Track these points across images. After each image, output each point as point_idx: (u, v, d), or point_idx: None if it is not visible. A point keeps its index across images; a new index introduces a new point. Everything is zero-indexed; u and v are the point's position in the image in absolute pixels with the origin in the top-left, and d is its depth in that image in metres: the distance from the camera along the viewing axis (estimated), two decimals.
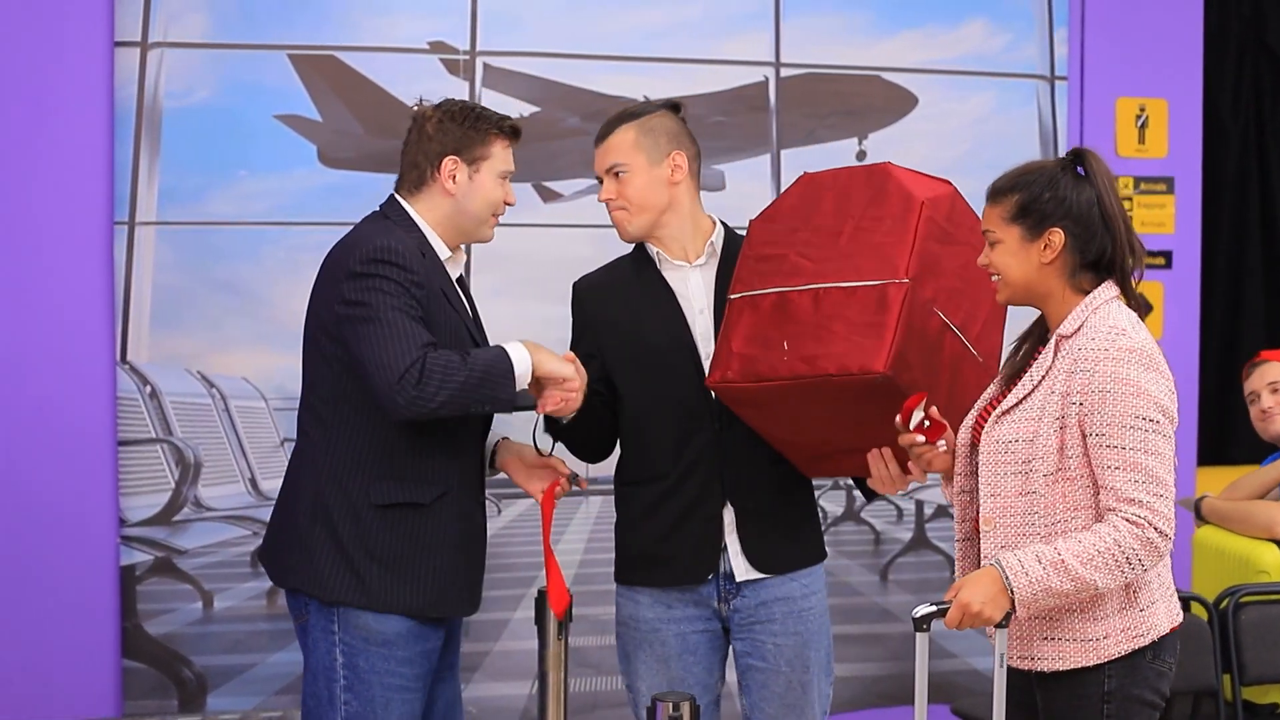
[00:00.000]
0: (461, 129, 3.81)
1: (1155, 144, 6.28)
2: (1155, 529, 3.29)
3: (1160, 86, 6.28)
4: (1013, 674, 3.39)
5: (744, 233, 3.98)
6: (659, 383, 3.89)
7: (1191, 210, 6.35)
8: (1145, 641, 3.40)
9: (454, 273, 3.87)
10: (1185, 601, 5.01)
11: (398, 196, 3.85)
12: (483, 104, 3.98)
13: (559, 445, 3.95)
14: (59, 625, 5.29)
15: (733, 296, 3.83)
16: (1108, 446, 3.31)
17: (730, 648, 3.99)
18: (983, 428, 3.50)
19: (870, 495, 3.97)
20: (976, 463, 3.54)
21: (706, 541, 3.90)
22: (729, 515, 3.90)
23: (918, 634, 3.33)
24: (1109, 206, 3.44)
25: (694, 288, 3.94)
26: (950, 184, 3.86)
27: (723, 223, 4.03)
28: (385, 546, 3.69)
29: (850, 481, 4.58)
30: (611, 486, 4.07)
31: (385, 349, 3.56)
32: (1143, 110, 6.26)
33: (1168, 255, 6.31)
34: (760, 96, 5.88)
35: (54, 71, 5.27)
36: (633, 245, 4.03)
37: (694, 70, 5.75)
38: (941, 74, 6.04)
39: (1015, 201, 3.43)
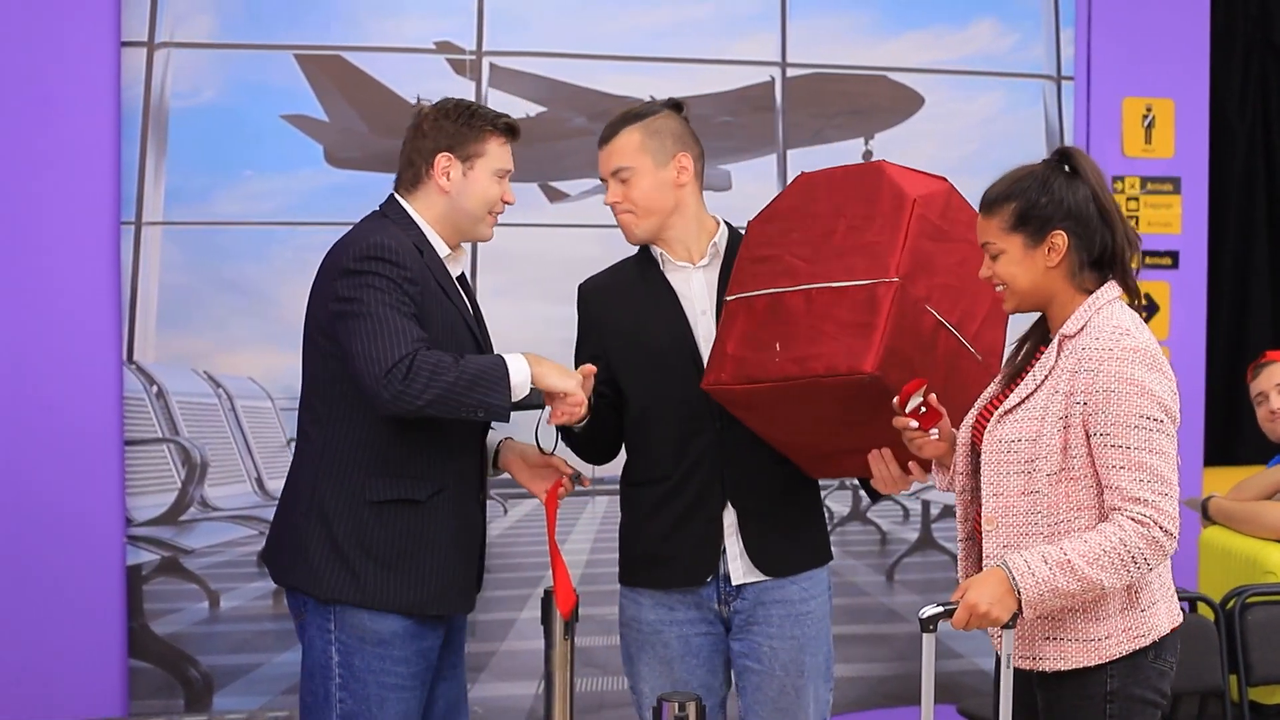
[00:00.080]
0: (456, 126, 3.80)
1: (1162, 144, 6.27)
2: (1160, 528, 3.28)
3: (1167, 86, 6.28)
4: (1014, 674, 3.38)
5: None
6: (661, 384, 3.88)
7: (1198, 210, 6.35)
8: (1147, 641, 3.39)
9: (455, 271, 3.87)
10: (1192, 602, 5.03)
11: (396, 195, 3.85)
12: (486, 104, 3.97)
13: (561, 445, 3.95)
14: (65, 625, 5.29)
15: (728, 299, 3.82)
16: (1112, 446, 3.31)
17: (727, 653, 3.98)
18: (983, 427, 3.49)
19: (875, 496, 3.96)
20: (976, 462, 3.54)
21: (707, 543, 3.89)
22: (730, 516, 3.88)
23: (924, 635, 3.32)
24: (1104, 201, 3.44)
25: (697, 289, 3.93)
26: (946, 180, 3.83)
27: (727, 223, 4.02)
28: (381, 543, 3.69)
29: (856, 482, 4.57)
30: (617, 486, 4.07)
31: (374, 343, 3.56)
32: (1149, 110, 6.26)
33: (1174, 255, 6.30)
34: (766, 96, 5.88)
35: (60, 71, 5.28)
36: (638, 246, 4.02)
37: (700, 70, 5.75)
38: (948, 74, 6.04)
39: (1012, 210, 3.42)
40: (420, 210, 3.81)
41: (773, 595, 3.90)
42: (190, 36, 5.36)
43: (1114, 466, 3.30)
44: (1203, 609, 5.03)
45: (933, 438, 3.58)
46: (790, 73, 5.89)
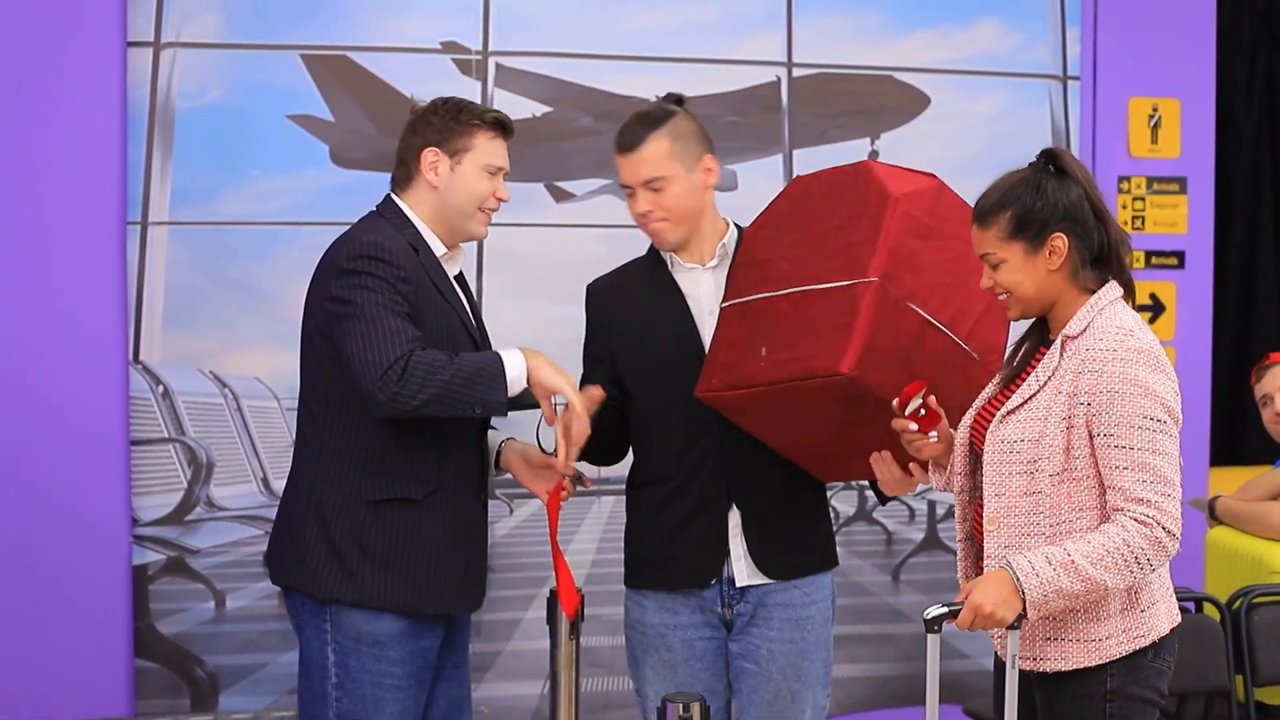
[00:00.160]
0: (444, 121, 3.80)
1: (1168, 144, 6.27)
2: (1164, 529, 3.28)
3: (1173, 86, 6.27)
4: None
5: None
6: (666, 385, 3.87)
7: (1204, 210, 6.34)
8: (1146, 642, 3.40)
9: (452, 270, 3.86)
10: (1198, 602, 5.03)
11: (392, 195, 3.85)
12: (492, 104, 3.97)
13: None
14: (71, 625, 5.29)
15: (723, 305, 3.82)
16: (1116, 447, 3.31)
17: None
18: (983, 428, 3.49)
19: (883, 498, 3.96)
20: (975, 462, 3.55)
21: (710, 545, 3.88)
22: (734, 519, 3.87)
23: (929, 635, 3.32)
24: (1096, 199, 3.44)
25: (705, 290, 3.92)
26: (935, 178, 3.80)
27: (736, 224, 4.02)
28: (379, 542, 3.69)
29: (864, 482, 4.56)
30: (623, 486, 4.07)
31: (369, 345, 3.56)
32: (1155, 110, 6.25)
33: (1180, 255, 6.30)
34: (773, 96, 5.88)
35: (67, 72, 5.28)
36: (648, 247, 4.01)
37: (706, 70, 5.74)
38: (954, 74, 6.03)
39: (1009, 218, 3.40)
40: (414, 207, 3.81)
41: (774, 598, 3.89)
42: (196, 36, 5.36)
43: (1117, 467, 3.30)
44: (1209, 609, 5.03)
45: (932, 440, 3.57)
46: (796, 73, 5.89)
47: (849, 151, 5.89)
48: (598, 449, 3.96)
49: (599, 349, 3.97)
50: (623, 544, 4.06)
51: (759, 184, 5.80)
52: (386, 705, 3.71)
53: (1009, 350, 3.63)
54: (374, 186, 3.90)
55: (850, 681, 5.95)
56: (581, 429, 3.70)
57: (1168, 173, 6.28)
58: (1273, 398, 5.30)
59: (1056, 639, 3.41)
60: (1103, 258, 3.44)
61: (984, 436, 3.48)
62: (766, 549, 3.88)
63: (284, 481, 3.87)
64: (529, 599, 5.58)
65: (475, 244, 5.49)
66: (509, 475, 3.99)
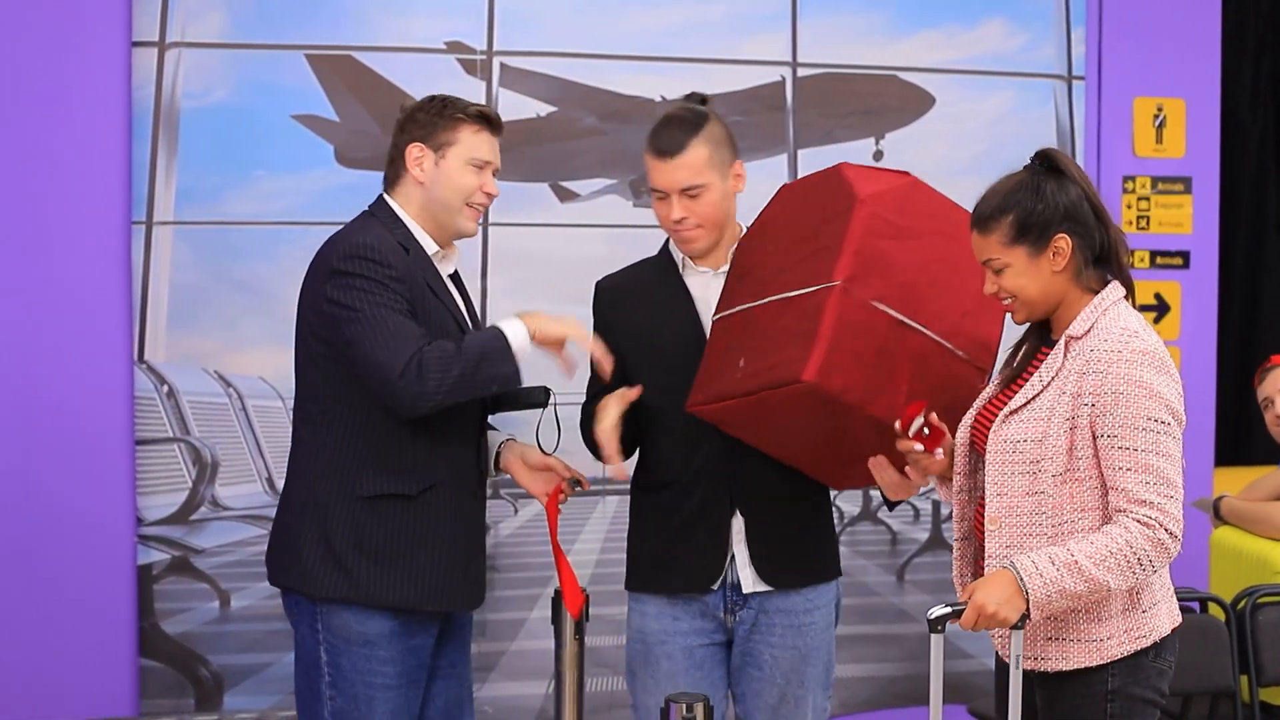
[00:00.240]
0: (428, 116, 3.80)
1: (1173, 144, 6.26)
2: (1166, 530, 3.28)
3: (1178, 86, 6.26)
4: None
5: None
6: (672, 387, 3.81)
7: (1209, 210, 6.34)
8: (1148, 642, 3.40)
9: (446, 269, 3.85)
10: (1203, 602, 5.02)
11: (384, 194, 3.85)
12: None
13: (560, 447, 3.92)
14: (76, 624, 5.30)
15: (714, 318, 3.80)
16: (1119, 448, 3.30)
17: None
18: (984, 428, 3.49)
19: (890, 502, 3.93)
20: (974, 462, 3.55)
21: (712, 550, 3.85)
22: (738, 524, 3.85)
23: (933, 635, 3.32)
24: (1095, 199, 3.44)
25: (714, 294, 3.89)
26: (908, 175, 3.76)
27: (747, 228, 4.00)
28: (373, 539, 3.68)
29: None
30: (627, 487, 4.06)
31: (380, 348, 3.57)
32: (1160, 110, 6.25)
33: (1185, 255, 6.29)
34: (777, 96, 5.87)
35: (72, 71, 5.29)
36: (659, 247, 3.99)
37: (711, 70, 5.74)
38: (959, 74, 6.03)
39: (1010, 222, 3.39)
40: (403, 206, 3.81)
41: (776, 604, 3.87)
42: (201, 36, 5.36)
43: (1120, 468, 3.30)
44: (1214, 609, 5.03)
45: (938, 458, 3.55)
46: (801, 72, 5.89)
47: (854, 151, 5.89)
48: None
49: (605, 340, 3.92)
50: (626, 545, 4.05)
51: (764, 184, 5.74)
52: (379, 704, 3.71)
53: (1009, 351, 3.62)
54: (378, 187, 3.90)
55: (855, 681, 5.95)
56: (604, 360, 3.75)
57: (1172, 173, 6.27)
58: (1273, 400, 5.29)
59: (1058, 639, 3.40)
60: (1104, 257, 3.44)
61: (985, 436, 3.48)
62: (770, 558, 3.85)
63: None
64: (533, 599, 5.58)
65: (479, 244, 5.53)
66: (504, 476, 4.00)
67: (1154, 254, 6.24)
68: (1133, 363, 3.31)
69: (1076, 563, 3.26)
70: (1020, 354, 3.56)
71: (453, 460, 3.77)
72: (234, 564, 5.38)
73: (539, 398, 3.85)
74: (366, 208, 3.85)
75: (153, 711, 5.36)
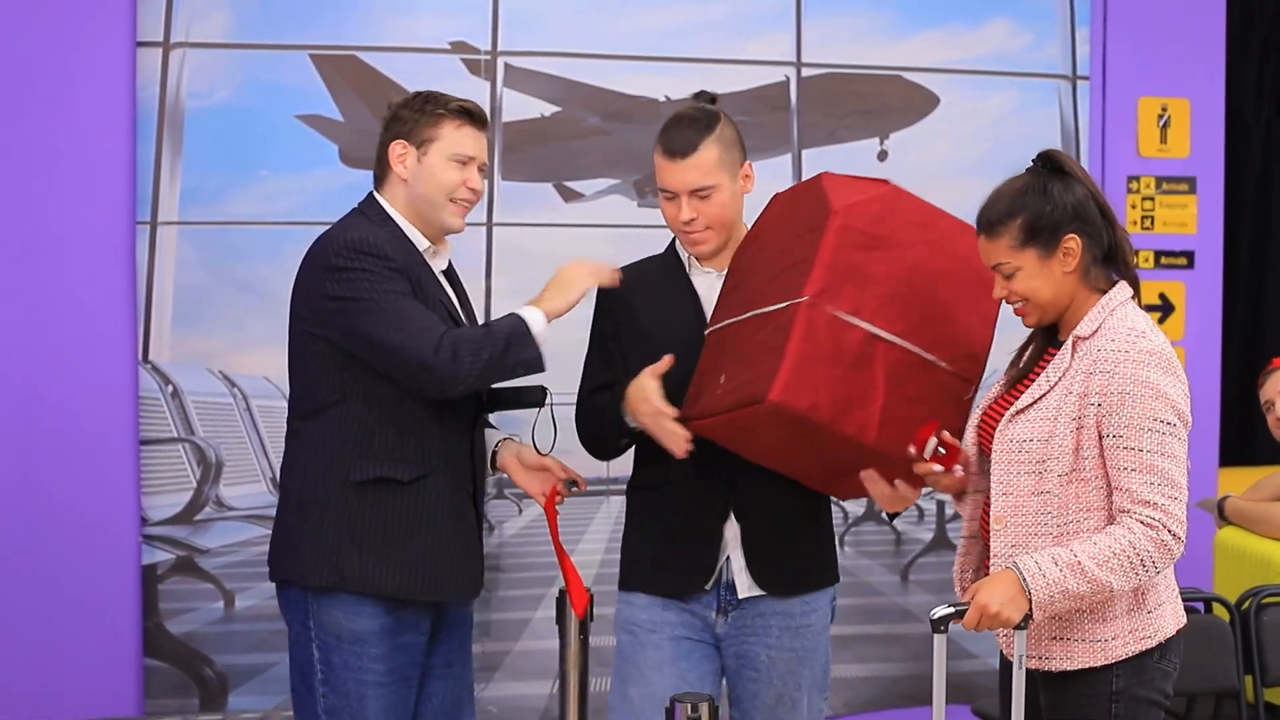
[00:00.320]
0: (410, 113, 3.80)
1: (1177, 144, 6.26)
2: (1169, 531, 3.28)
3: (1182, 86, 6.26)
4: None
5: None
6: (671, 387, 3.74)
7: (1214, 210, 6.33)
8: (1153, 643, 3.40)
9: (439, 265, 3.85)
10: (1207, 603, 5.02)
11: (374, 193, 3.86)
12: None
13: (558, 447, 3.89)
14: (81, 624, 5.30)
15: (707, 331, 3.76)
16: (1124, 448, 3.30)
17: (722, 661, 3.90)
18: (990, 429, 3.49)
19: (890, 514, 3.89)
20: (981, 464, 3.54)
21: (706, 552, 3.80)
22: (732, 530, 3.80)
23: (936, 635, 3.32)
24: (1100, 198, 3.44)
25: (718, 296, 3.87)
26: (888, 184, 3.70)
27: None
28: (365, 526, 3.68)
29: None
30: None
31: (403, 333, 3.60)
32: (1165, 110, 6.24)
33: (1190, 255, 6.29)
34: (781, 96, 5.87)
35: (76, 72, 5.29)
36: (666, 245, 3.96)
37: (715, 70, 5.74)
38: (963, 74, 6.03)
39: (1019, 225, 3.39)
40: (391, 203, 3.81)
41: (773, 608, 3.83)
42: (205, 36, 5.37)
43: (1125, 468, 3.30)
44: (1218, 610, 5.03)
45: (957, 475, 3.54)
46: (805, 72, 5.89)
47: (858, 151, 5.89)
48: (602, 443, 3.93)
49: (607, 323, 3.91)
50: None
51: (768, 184, 5.75)
52: (371, 702, 3.72)
53: (1015, 352, 3.61)
54: None
55: (859, 681, 5.95)
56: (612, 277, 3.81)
57: (1177, 173, 6.27)
58: (1275, 403, 5.29)
59: (1063, 639, 3.40)
60: (1110, 256, 3.44)
61: (992, 437, 3.48)
62: (766, 564, 3.81)
63: None
64: (538, 598, 5.58)
65: (483, 244, 5.53)
66: (505, 475, 4.00)
67: (1158, 254, 6.24)
68: (1140, 363, 3.31)
69: (1079, 563, 3.27)
70: (1027, 354, 3.56)
71: (447, 453, 3.77)
72: (238, 564, 5.39)
73: (536, 397, 3.84)
74: (356, 206, 3.86)
75: (157, 711, 5.37)
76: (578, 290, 3.77)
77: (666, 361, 3.69)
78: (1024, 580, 3.27)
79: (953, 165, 5.89)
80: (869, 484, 3.63)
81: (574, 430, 3.91)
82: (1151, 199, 6.24)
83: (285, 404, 3.75)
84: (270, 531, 3.88)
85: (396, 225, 3.78)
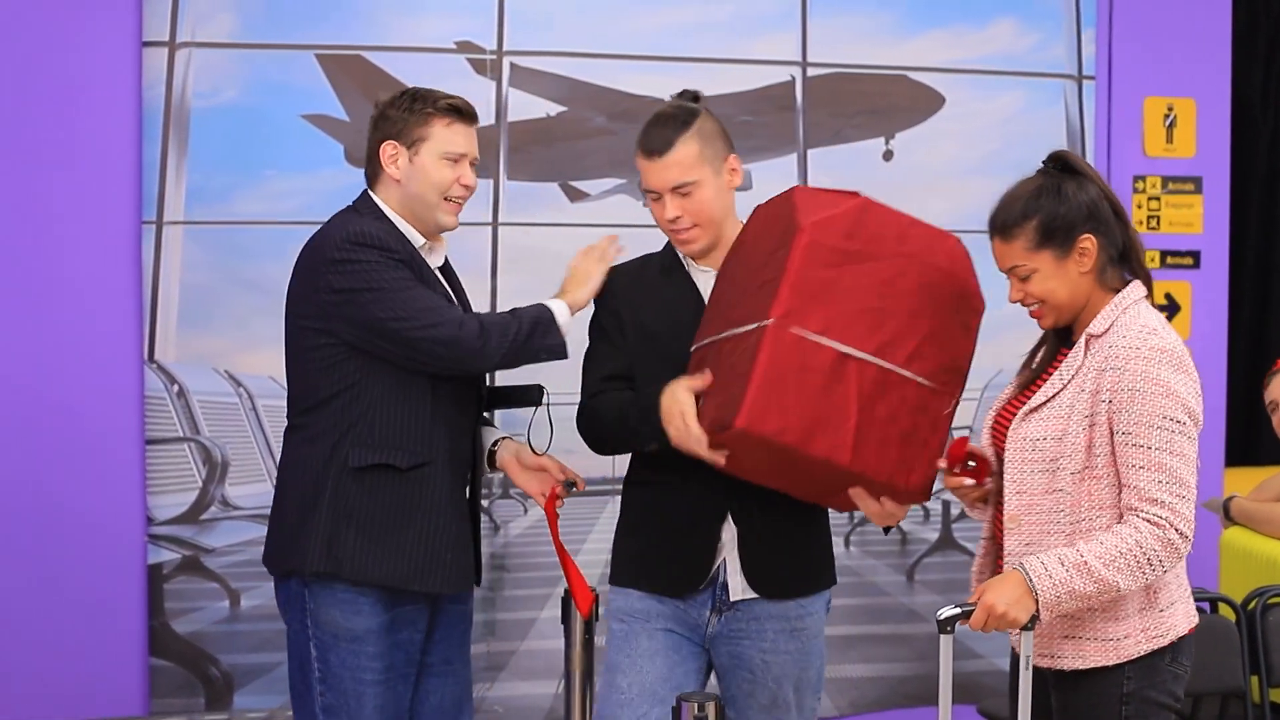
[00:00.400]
0: (399, 113, 3.81)
1: (1183, 144, 6.26)
2: (1176, 530, 3.28)
3: (1188, 86, 6.26)
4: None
5: None
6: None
7: (1220, 210, 6.33)
8: (1165, 642, 3.39)
9: (435, 261, 3.87)
10: (1213, 603, 5.02)
11: (368, 191, 3.86)
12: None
13: (556, 447, 3.88)
14: (86, 623, 5.31)
15: (691, 350, 3.70)
16: (1133, 445, 3.30)
17: (711, 660, 3.86)
18: (1004, 428, 3.48)
19: (885, 528, 3.87)
20: (998, 466, 3.54)
21: (702, 554, 3.75)
22: (730, 531, 3.75)
23: (942, 636, 3.32)
24: (1113, 197, 3.44)
25: None
26: (858, 196, 3.57)
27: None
28: (361, 511, 3.70)
29: None
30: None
31: (422, 314, 3.64)
32: (1171, 110, 6.24)
33: (1196, 255, 6.29)
34: (787, 96, 5.87)
35: (82, 71, 5.30)
36: (665, 243, 3.92)
37: (720, 70, 5.74)
38: (969, 73, 6.03)
39: (1034, 227, 3.39)
40: (385, 200, 3.82)
41: (769, 610, 3.78)
42: (211, 36, 5.37)
43: (1134, 466, 3.30)
44: (1224, 610, 5.03)
45: (987, 487, 3.53)
46: (811, 72, 5.89)
47: (863, 151, 5.89)
48: (614, 446, 3.90)
49: (609, 319, 3.86)
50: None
51: (774, 184, 5.74)
52: (368, 700, 3.74)
53: (1027, 355, 3.60)
54: None
55: (864, 681, 5.95)
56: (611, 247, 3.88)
57: (1183, 172, 6.27)
58: (1279, 403, 5.28)
59: (1074, 637, 3.40)
60: (1124, 255, 3.44)
61: (1005, 437, 3.47)
62: (763, 568, 3.76)
63: None
64: (543, 598, 5.58)
65: (489, 243, 5.54)
66: (503, 475, 3.99)
67: (1164, 254, 6.23)
68: (1150, 360, 3.31)
69: (1086, 563, 3.26)
70: (1039, 356, 3.55)
71: (447, 445, 3.78)
72: (244, 563, 5.39)
73: (534, 396, 3.84)
74: (350, 204, 3.86)
75: (163, 711, 5.37)
76: (594, 280, 3.82)
77: (706, 379, 3.56)
78: (1030, 581, 3.27)
79: (958, 165, 5.89)
80: (859, 501, 3.58)
81: (573, 429, 3.86)
82: (1157, 199, 6.24)
83: None
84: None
85: (391, 222, 3.80)
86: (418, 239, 3.81)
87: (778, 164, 5.83)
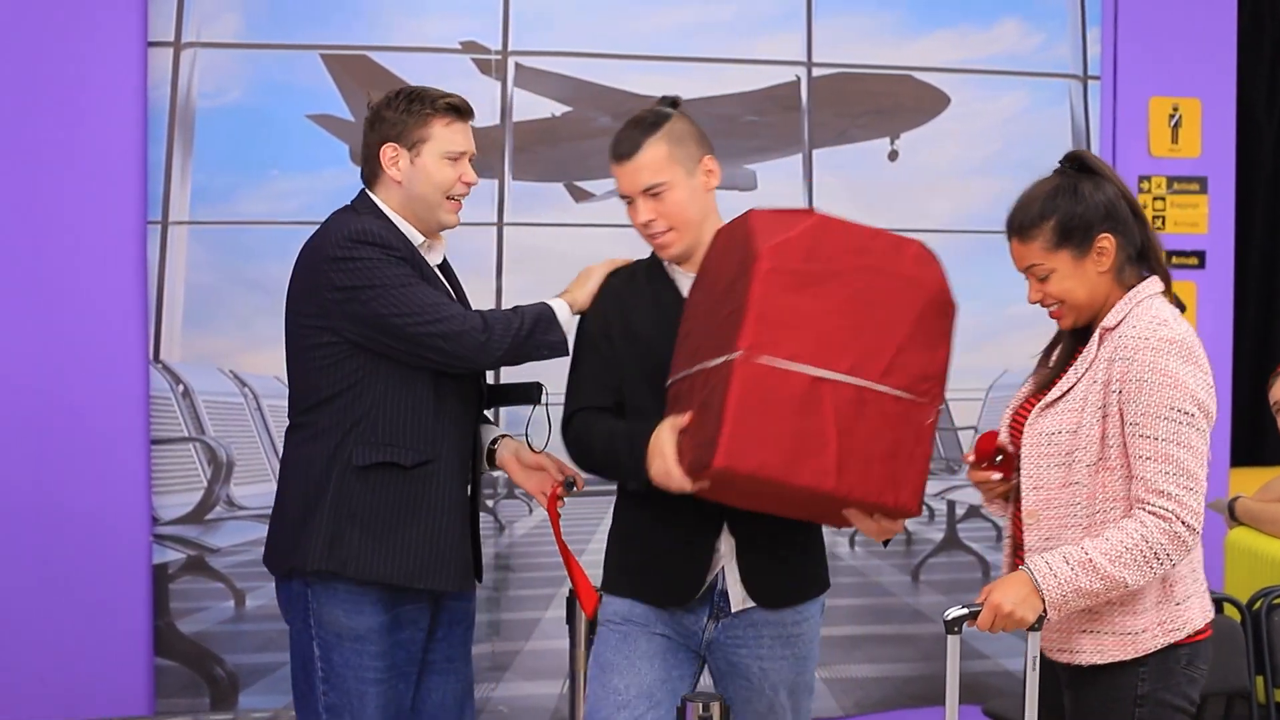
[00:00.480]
0: (397, 115, 3.80)
1: (1188, 144, 6.26)
2: (1182, 523, 3.27)
3: (1193, 86, 6.26)
4: (1041, 674, 3.37)
5: None
6: (662, 396, 3.66)
7: (1225, 210, 6.33)
8: (1180, 636, 3.39)
9: (434, 259, 3.87)
10: (1218, 603, 5.00)
11: (366, 190, 3.86)
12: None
13: (555, 446, 3.85)
14: (92, 623, 5.31)
15: (666, 385, 3.65)
16: (1141, 436, 3.30)
17: (705, 668, 3.83)
18: (1021, 426, 3.48)
19: (884, 542, 3.79)
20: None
21: (699, 565, 3.71)
22: (728, 543, 3.70)
23: (949, 636, 3.32)
24: (1130, 196, 3.44)
25: None
26: (813, 214, 3.51)
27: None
28: (364, 508, 3.70)
29: None
30: None
31: (427, 309, 3.65)
32: (1176, 110, 6.24)
33: (1201, 255, 6.28)
34: (792, 96, 5.87)
35: (88, 71, 5.30)
36: (651, 250, 3.88)
37: (726, 70, 5.74)
38: (974, 73, 6.03)
39: (1052, 227, 3.39)
40: (385, 201, 3.82)
41: (765, 618, 3.74)
42: (216, 37, 5.37)
43: (1142, 457, 3.29)
44: (1229, 610, 5.02)
45: (1014, 482, 3.52)
46: (816, 72, 5.89)
47: (869, 151, 5.89)
48: (599, 472, 3.83)
49: (596, 325, 3.81)
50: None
51: (779, 184, 5.80)
52: (370, 699, 3.75)
53: (1041, 354, 3.59)
54: None
55: (870, 682, 5.94)
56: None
57: (1188, 172, 6.27)
58: None
59: (1093, 632, 3.39)
60: (1143, 254, 3.44)
61: (1022, 433, 3.47)
62: (761, 577, 3.73)
63: None
64: (548, 599, 5.58)
65: (494, 243, 5.54)
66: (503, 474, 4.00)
67: (1169, 254, 6.19)
68: (1159, 351, 3.31)
69: (1091, 560, 3.26)
70: (1056, 354, 3.54)
71: (449, 442, 3.79)
72: (249, 563, 5.39)
73: (533, 394, 3.84)
74: (349, 203, 3.86)
75: (168, 710, 5.37)
76: (595, 281, 3.82)
77: (688, 418, 3.51)
78: (1035, 580, 3.27)
79: (963, 165, 5.89)
80: (854, 520, 3.54)
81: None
82: (1163, 199, 6.24)
83: None
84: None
85: (389, 220, 3.80)
86: (417, 237, 3.82)
87: (783, 164, 5.84)
